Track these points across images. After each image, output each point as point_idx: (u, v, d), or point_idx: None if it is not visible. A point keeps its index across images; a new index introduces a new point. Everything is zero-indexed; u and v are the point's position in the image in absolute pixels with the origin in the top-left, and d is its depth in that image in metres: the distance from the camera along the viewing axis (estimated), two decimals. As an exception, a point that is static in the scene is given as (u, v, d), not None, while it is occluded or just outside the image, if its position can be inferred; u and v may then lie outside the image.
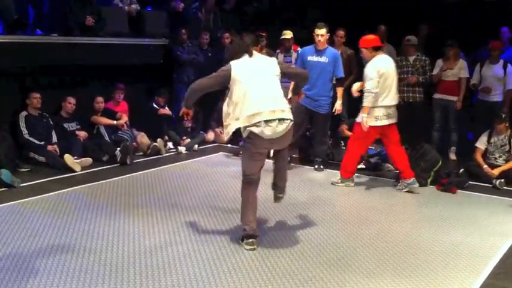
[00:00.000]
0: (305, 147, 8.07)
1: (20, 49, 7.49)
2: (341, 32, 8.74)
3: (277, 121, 4.44)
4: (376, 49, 6.43)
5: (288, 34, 9.01)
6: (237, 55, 4.68)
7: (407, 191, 6.48)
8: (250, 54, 4.67)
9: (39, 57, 7.70)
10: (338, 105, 7.24)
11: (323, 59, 7.12)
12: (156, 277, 4.03)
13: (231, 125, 4.57)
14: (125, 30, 9.17)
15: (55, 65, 7.84)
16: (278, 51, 9.22)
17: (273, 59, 4.81)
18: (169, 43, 9.51)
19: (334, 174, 6.98)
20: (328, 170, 7.43)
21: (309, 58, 7.19)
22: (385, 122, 6.37)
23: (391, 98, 6.39)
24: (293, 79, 5.47)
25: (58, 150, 7.22)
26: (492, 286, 4.12)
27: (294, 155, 7.65)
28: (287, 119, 4.51)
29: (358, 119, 6.41)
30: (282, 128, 4.47)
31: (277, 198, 5.07)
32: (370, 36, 6.49)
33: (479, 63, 8.27)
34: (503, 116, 7.26)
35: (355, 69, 8.52)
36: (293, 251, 4.61)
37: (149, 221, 5.22)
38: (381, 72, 6.25)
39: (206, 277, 4.06)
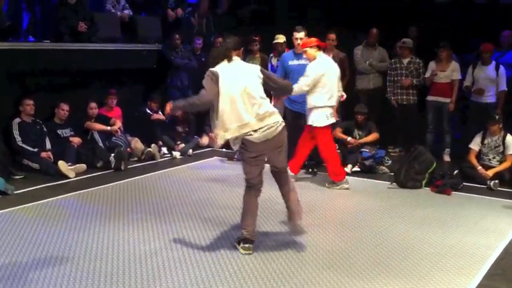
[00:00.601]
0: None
1: (13, 56, 7.48)
2: (332, 35, 8.77)
3: (266, 127, 4.46)
4: (319, 48, 6.62)
5: (280, 38, 9.00)
6: (215, 60, 4.63)
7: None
8: (229, 60, 4.59)
9: (32, 64, 7.69)
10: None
11: (303, 62, 7.05)
12: (152, 283, 4.01)
13: (219, 135, 4.57)
14: (118, 36, 9.17)
15: (48, 71, 7.83)
16: (271, 55, 9.23)
17: (256, 66, 4.72)
18: (162, 48, 9.51)
19: (327, 177, 6.99)
20: (321, 172, 7.41)
21: (290, 63, 7.22)
22: (332, 120, 6.59)
23: (334, 98, 6.60)
24: (275, 92, 5.34)
25: (52, 157, 7.19)
26: (488, 287, 4.12)
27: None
28: (276, 122, 4.51)
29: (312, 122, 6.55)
30: (272, 130, 4.49)
31: (294, 231, 4.96)
32: (312, 38, 6.69)
33: (472, 65, 8.31)
34: (497, 117, 7.28)
35: (348, 72, 8.55)
36: (288, 254, 4.60)
37: (144, 227, 5.20)
38: (321, 73, 6.42)
39: (202, 282, 4.04)
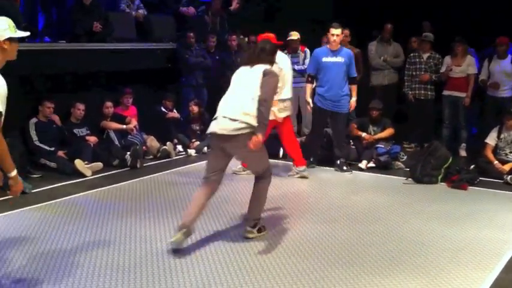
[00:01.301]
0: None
1: (29, 56, 7.56)
2: (346, 31, 8.76)
3: (221, 117, 4.54)
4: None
5: (294, 35, 9.01)
6: (242, 64, 4.82)
7: (299, 177, 6.94)
8: (251, 65, 4.70)
9: (48, 64, 7.76)
10: (353, 102, 7.22)
11: (339, 59, 7.06)
12: (169, 279, 4.04)
13: None
14: (132, 36, 9.23)
15: (64, 71, 7.90)
16: (285, 52, 9.23)
17: (259, 75, 4.57)
18: (176, 47, 9.55)
19: (340, 173, 7.01)
20: (334, 168, 7.40)
21: (324, 59, 7.12)
22: (285, 114, 6.73)
23: (287, 92, 6.72)
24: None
25: (67, 156, 7.26)
26: (505, 281, 4.10)
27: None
28: (236, 120, 4.46)
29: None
30: (226, 123, 4.49)
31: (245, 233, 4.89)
32: (270, 34, 6.54)
33: (487, 58, 8.24)
34: None
35: (361, 67, 8.53)
36: (303, 250, 4.61)
37: (160, 224, 5.24)
38: (280, 67, 6.40)
39: (218, 277, 4.07)
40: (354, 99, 7.23)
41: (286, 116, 6.83)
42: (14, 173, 3.45)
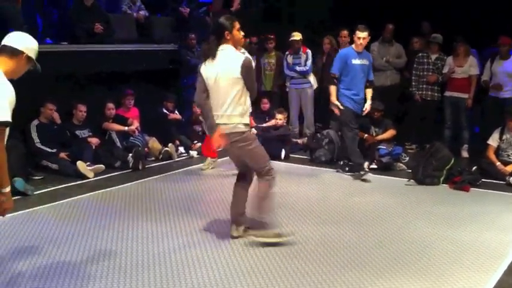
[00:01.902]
0: (312, 148, 8.09)
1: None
2: (344, 32, 8.78)
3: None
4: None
5: (296, 36, 9.02)
6: (204, 59, 4.65)
7: None
8: (213, 57, 4.54)
9: (49, 66, 7.72)
10: (368, 106, 7.07)
11: (364, 62, 7.00)
12: (171, 281, 4.04)
13: None
14: (134, 37, 9.23)
15: (65, 72, 7.90)
16: (287, 52, 9.24)
17: (237, 62, 4.46)
18: (178, 48, 9.55)
19: (343, 175, 6.98)
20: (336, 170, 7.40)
21: (353, 61, 6.95)
22: None
23: None
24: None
25: (69, 158, 7.25)
26: (507, 283, 4.08)
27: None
28: (222, 124, 4.56)
29: None
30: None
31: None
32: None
33: (490, 59, 8.22)
34: None
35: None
36: (306, 252, 4.60)
37: (162, 226, 5.24)
38: None
39: (220, 279, 4.07)
40: (369, 102, 7.08)
41: None
42: (7, 188, 3.28)
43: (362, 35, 6.86)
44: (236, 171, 5.14)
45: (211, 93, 4.59)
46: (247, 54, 4.58)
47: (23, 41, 3.45)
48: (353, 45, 7.03)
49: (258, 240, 4.72)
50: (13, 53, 3.37)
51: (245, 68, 4.45)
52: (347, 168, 7.30)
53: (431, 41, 8.52)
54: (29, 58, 3.48)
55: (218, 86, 4.51)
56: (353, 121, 7.03)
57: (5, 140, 3.29)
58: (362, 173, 6.96)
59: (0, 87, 3.23)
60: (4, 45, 3.38)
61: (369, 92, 7.11)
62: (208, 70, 4.55)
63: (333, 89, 7.10)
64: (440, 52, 8.50)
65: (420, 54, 8.66)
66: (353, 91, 6.96)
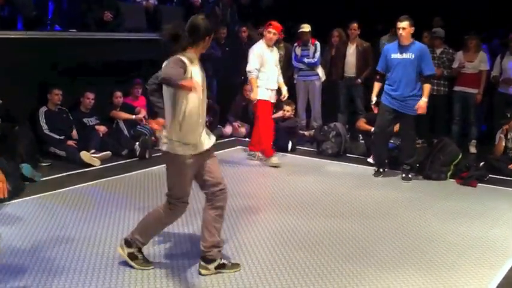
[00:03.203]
0: (320, 140, 8.07)
1: (39, 45, 7.57)
2: (355, 25, 8.72)
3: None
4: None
5: (305, 27, 8.97)
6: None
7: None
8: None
9: (58, 53, 7.77)
10: (422, 102, 6.47)
11: (408, 55, 6.47)
12: (176, 272, 4.05)
13: None
14: (143, 26, 9.21)
15: (74, 60, 7.90)
16: (296, 44, 9.20)
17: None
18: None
19: (350, 168, 6.96)
20: (344, 163, 7.38)
21: (393, 56, 6.55)
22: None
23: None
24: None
25: (76, 145, 7.27)
26: (514, 280, 4.08)
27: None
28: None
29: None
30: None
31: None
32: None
33: (500, 54, 8.16)
34: None
35: (372, 61, 8.47)
36: (311, 244, 4.60)
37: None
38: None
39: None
40: (423, 99, 6.48)
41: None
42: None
43: (400, 25, 6.42)
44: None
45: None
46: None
47: None
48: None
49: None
50: None
51: None
52: (403, 175, 6.76)
53: (432, 36, 8.45)
54: None
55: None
56: (379, 119, 6.70)
57: None
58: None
59: None
60: None
61: (425, 88, 6.50)
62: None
63: (374, 85, 6.86)
64: (445, 46, 8.43)
65: None
66: (392, 86, 6.57)
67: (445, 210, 5.58)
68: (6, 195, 3.38)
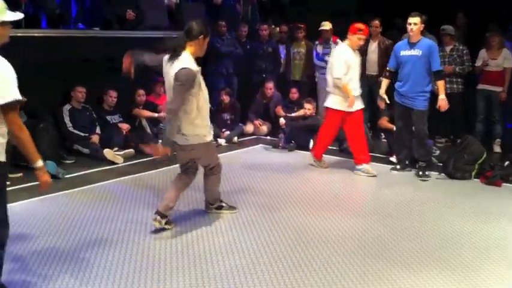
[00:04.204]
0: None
1: (63, 43, 7.65)
2: (376, 22, 8.65)
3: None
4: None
5: (326, 25, 8.95)
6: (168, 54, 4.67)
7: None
8: (174, 59, 4.60)
9: (82, 51, 7.84)
10: (440, 101, 6.50)
11: (416, 52, 6.45)
12: (198, 267, 4.08)
13: None
14: (165, 23, 9.25)
15: (97, 58, 7.97)
16: (317, 42, 9.18)
17: (178, 69, 4.53)
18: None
19: (378, 167, 6.93)
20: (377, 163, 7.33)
21: (402, 53, 6.56)
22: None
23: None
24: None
25: (99, 143, 7.34)
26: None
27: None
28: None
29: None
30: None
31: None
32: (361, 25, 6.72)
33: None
34: None
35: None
36: (332, 243, 4.59)
37: (190, 212, 5.28)
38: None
39: (247, 266, 4.09)
40: (441, 97, 6.48)
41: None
42: (39, 163, 3.25)
43: (412, 21, 6.41)
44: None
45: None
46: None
47: None
48: None
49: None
50: None
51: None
52: (420, 173, 6.70)
53: (442, 33, 8.34)
54: (2, 24, 3.19)
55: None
56: (396, 117, 6.86)
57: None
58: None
59: (5, 68, 3.09)
60: None
61: (439, 85, 6.52)
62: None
63: (383, 81, 6.96)
64: (455, 43, 8.32)
65: None
66: (400, 83, 6.63)
67: (468, 210, 5.52)
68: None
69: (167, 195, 4.86)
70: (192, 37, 4.58)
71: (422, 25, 6.47)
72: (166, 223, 4.76)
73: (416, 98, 6.51)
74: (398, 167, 6.95)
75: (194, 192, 5.87)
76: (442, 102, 6.51)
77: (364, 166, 6.76)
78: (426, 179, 6.62)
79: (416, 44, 6.48)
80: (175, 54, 4.56)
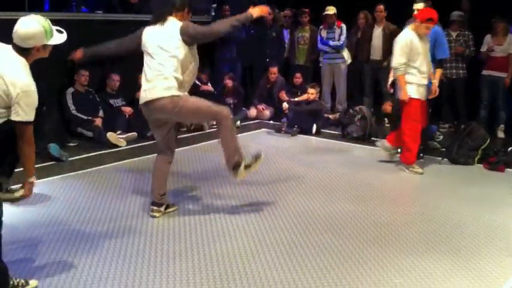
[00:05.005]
0: (344, 123, 8.03)
1: (66, 26, 7.58)
2: (381, 7, 8.59)
3: (151, 87, 4.44)
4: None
5: (331, 10, 8.90)
6: (152, 22, 4.63)
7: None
8: (162, 23, 4.53)
9: (84, 35, 7.80)
10: (434, 86, 6.31)
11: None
12: (201, 249, 4.09)
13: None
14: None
15: (100, 41, 7.93)
16: (321, 27, 9.13)
17: (176, 29, 4.46)
18: (211, 20, 9.50)
19: (375, 151, 6.91)
20: (368, 146, 7.32)
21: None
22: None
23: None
24: (205, 39, 4.80)
25: (102, 126, 7.35)
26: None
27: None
28: (156, 85, 4.41)
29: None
30: (151, 93, 4.42)
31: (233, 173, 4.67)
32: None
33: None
34: None
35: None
36: (336, 227, 4.60)
37: (194, 195, 5.30)
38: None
39: (250, 251, 4.11)
40: (433, 82, 6.30)
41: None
42: (33, 178, 3.37)
43: (416, 7, 6.43)
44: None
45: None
46: None
47: (28, 37, 3.21)
48: None
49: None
50: (24, 51, 3.25)
51: None
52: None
53: (450, 19, 8.29)
54: (44, 46, 3.33)
55: None
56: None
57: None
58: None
59: (30, 87, 3.27)
60: (14, 44, 3.23)
61: (436, 72, 6.42)
62: None
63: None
64: (461, 29, 8.27)
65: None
66: None
67: (471, 196, 5.51)
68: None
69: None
70: (176, 9, 4.57)
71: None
72: (166, 208, 4.78)
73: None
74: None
75: (196, 176, 5.90)
76: (435, 88, 6.35)
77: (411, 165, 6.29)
78: (420, 159, 6.51)
79: None
80: (162, 19, 4.52)
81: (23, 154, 3.28)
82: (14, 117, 3.17)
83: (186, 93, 4.55)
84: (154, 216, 4.68)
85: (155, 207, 4.72)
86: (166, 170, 4.77)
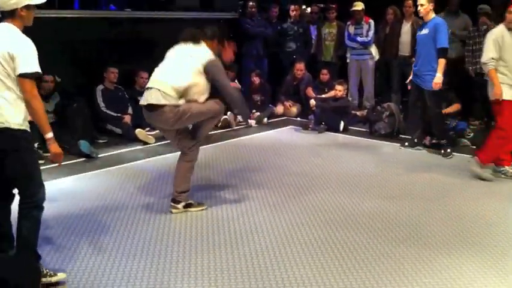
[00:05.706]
0: (372, 120, 7.96)
1: (95, 24, 7.73)
2: (409, 2, 8.49)
3: (150, 89, 4.57)
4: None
5: (358, 5, 8.83)
6: (184, 40, 4.75)
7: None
8: (196, 44, 4.68)
9: (114, 32, 7.92)
10: (436, 79, 6.38)
11: (425, 31, 6.53)
12: (229, 246, 4.11)
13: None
14: (196, 4, 9.25)
15: (129, 39, 8.04)
16: (349, 23, 9.07)
17: (204, 56, 4.59)
18: (238, 17, 9.52)
19: (410, 150, 6.87)
20: (397, 144, 7.25)
21: (418, 33, 6.78)
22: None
23: None
24: (215, 84, 4.76)
25: (131, 123, 7.42)
26: None
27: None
28: (156, 89, 4.50)
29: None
30: (150, 96, 4.52)
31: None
32: None
33: None
34: None
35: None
36: (363, 225, 4.57)
37: (222, 193, 5.32)
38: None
39: (277, 248, 4.11)
40: (437, 75, 6.38)
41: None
42: (50, 134, 3.40)
43: (419, 1, 6.51)
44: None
45: None
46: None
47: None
48: None
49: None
50: (11, 16, 3.34)
51: None
52: (449, 150, 6.73)
53: (479, 12, 8.15)
54: (26, 7, 3.35)
55: None
56: (410, 95, 7.00)
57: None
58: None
59: (26, 43, 3.32)
60: (2, 14, 3.36)
61: (439, 63, 6.41)
62: None
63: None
64: (492, 23, 8.10)
65: (471, 29, 8.32)
66: (414, 62, 6.86)
67: (503, 194, 5.42)
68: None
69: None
70: (207, 37, 4.74)
71: (431, 4, 6.48)
72: (185, 206, 4.79)
73: (425, 77, 6.55)
74: (406, 143, 7.06)
75: (225, 174, 5.93)
76: (439, 80, 6.40)
77: (506, 168, 5.97)
78: (449, 157, 6.64)
79: (427, 23, 6.56)
80: (197, 41, 4.68)
81: (35, 110, 3.33)
82: (19, 71, 3.25)
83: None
84: (170, 212, 4.75)
85: (172, 204, 4.80)
86: (183, 169, 4.78)
